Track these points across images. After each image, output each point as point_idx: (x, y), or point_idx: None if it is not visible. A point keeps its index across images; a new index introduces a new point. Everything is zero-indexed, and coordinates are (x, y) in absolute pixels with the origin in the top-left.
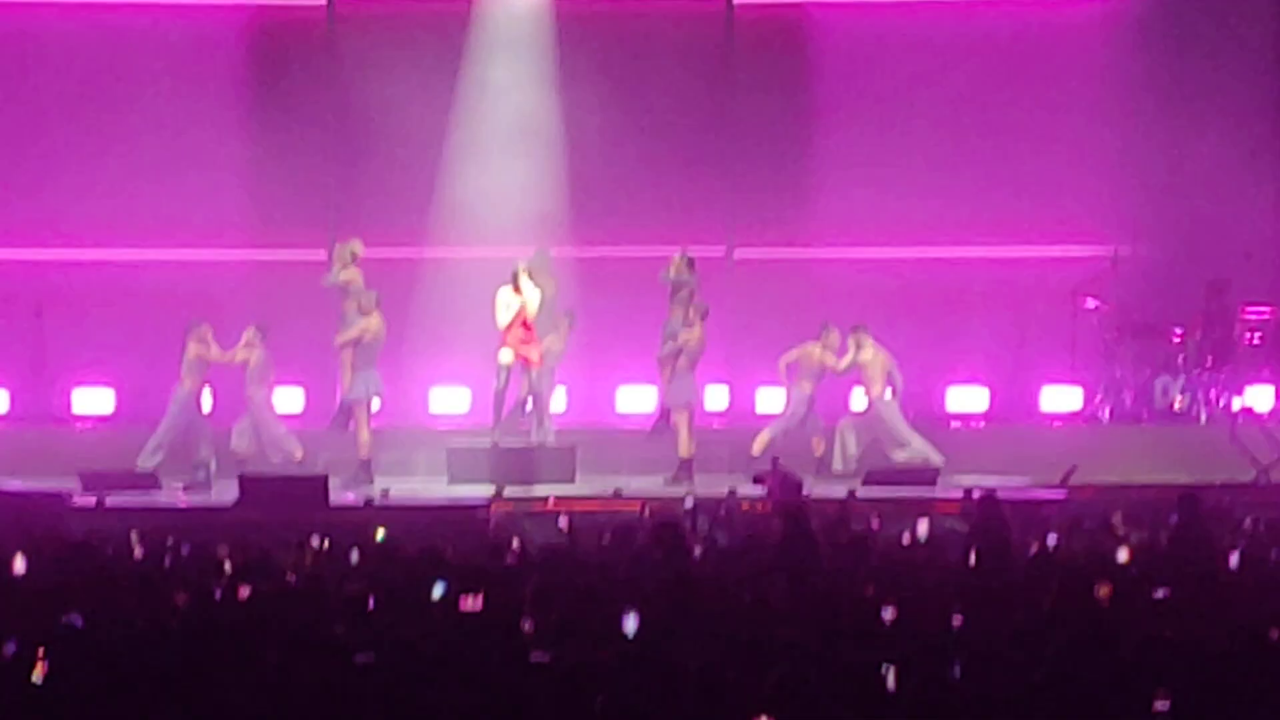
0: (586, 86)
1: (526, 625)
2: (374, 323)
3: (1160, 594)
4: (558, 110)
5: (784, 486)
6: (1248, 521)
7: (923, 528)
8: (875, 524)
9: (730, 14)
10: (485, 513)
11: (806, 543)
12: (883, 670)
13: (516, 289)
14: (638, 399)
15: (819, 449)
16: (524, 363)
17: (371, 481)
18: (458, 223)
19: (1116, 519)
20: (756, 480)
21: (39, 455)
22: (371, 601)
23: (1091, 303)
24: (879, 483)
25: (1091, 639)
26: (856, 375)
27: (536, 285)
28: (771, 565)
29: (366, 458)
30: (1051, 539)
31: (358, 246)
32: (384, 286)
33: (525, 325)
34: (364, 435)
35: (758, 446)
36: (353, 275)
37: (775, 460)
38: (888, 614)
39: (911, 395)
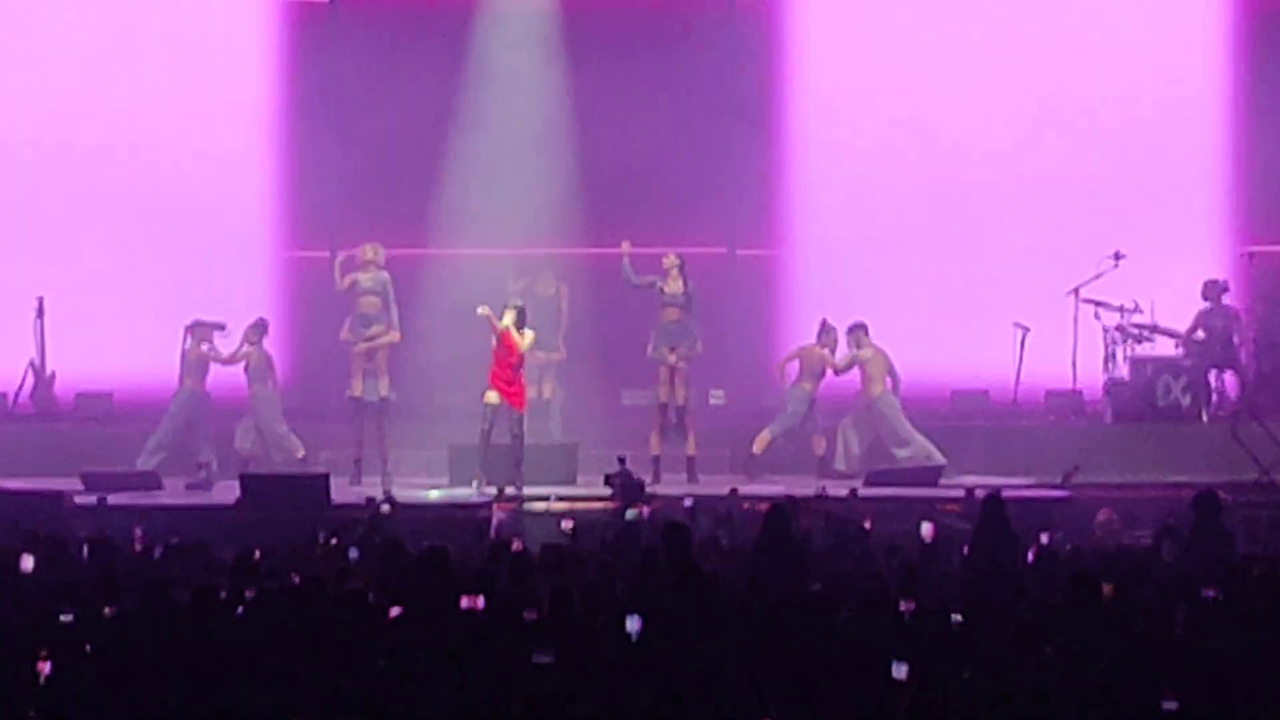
0: (587, 84)
1: (528, 625)
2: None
3: (1162, 592)
4: (558, 109)
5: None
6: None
7: (926, 527)
8: (871, 524)
9: (732, 11)
10: (486, 512)
11: (788, 541)
12: (884, 670)
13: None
14: (639, 399)
15: (820, 448)
16: (511, 405)
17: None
18: (458, 221)
19: (1104, 514)
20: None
21: (39, 455)
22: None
23: (1094, 301)
24: (881, 482)
25: (1097, 638)
26: (857, 375)
27: (536, 289)
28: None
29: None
30: (1052, 539)
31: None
32: None
33: (514, 367)
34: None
35: (758, 446)
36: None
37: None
38: (890, 613)
39: (913, 394)
